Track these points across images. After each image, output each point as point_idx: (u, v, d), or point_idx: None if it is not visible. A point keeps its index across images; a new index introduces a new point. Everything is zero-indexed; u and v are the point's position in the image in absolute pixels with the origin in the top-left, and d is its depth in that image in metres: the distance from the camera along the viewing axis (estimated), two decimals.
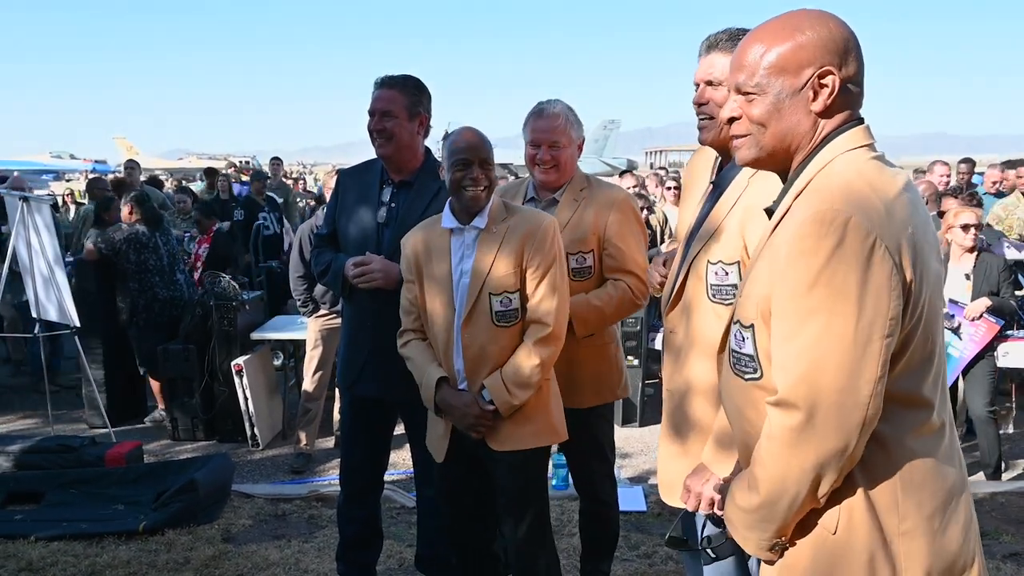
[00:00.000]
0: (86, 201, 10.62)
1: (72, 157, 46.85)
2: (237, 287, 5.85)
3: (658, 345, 5.52)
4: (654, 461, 4.49)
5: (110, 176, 17.55)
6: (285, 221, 9.29)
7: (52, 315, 5.59)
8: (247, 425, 5.59)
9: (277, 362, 6.40)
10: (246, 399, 5.51)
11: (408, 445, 3.32)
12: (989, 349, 4.74)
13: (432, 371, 2.65)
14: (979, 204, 6.12)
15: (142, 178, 10.58)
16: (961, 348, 4.78)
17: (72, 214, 9.00)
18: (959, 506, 1.46)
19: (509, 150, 29.62)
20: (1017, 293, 5.77)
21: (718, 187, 2.20)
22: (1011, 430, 5.59)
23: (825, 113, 1.46)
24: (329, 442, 5.59)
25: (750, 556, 1.63)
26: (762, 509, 1.45)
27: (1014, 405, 5.52)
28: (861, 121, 1.49)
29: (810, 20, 1.45)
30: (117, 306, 6.02)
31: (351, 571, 3.31)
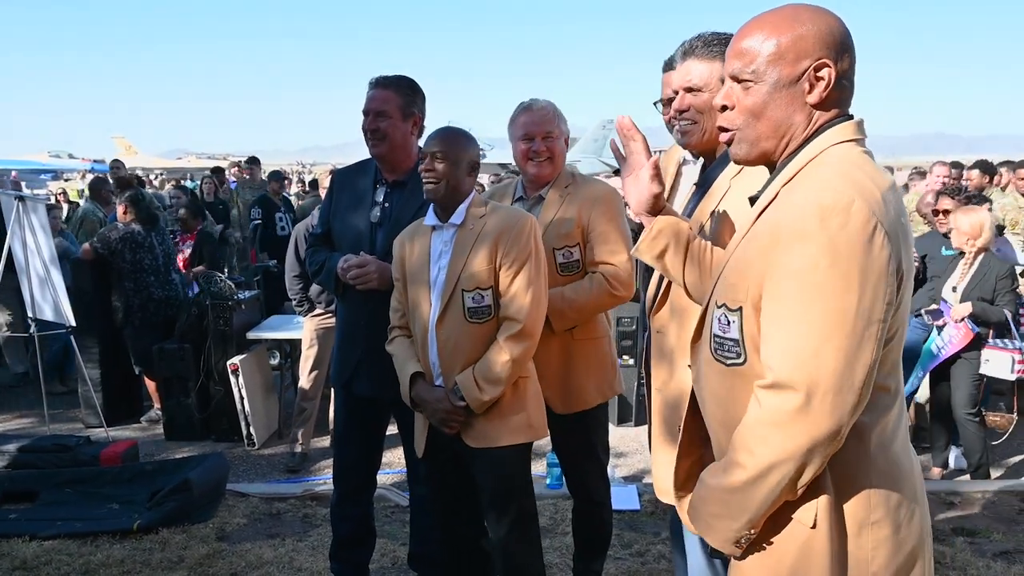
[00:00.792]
0: (82, 201, 10.61)
1: (71, 156, 46.79)
2: (233, 286, 5.86)
3: None
4: (649, 460, 4.51)
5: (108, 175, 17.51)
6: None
7: (48, 315, 5.60)
8: (243, 424, 5.60)
9: (273, 361, 6.41)
10: (242, 398, 5.52)
11: (402, 444, 3.34)
12: (974, 352, 4.74)
13: (409, 366, 2.69)
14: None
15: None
16: (940, 347, 4.84)
17: (64, 214, 9.00)
18: (917, 494, 1.49)
19: (508, 150, 29.58)
20: None
21: (702, 188, 2.21)
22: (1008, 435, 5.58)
23: (820, 105, 1.47)
24: (325, 441, 5.61)
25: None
26: (738, 495, 1.42)
27: (1015, 413, 5.50)
28: (852, 117, 1.50)
29: (809, 13, 1.47)
30: (113, 305, 6.02)
31: (344, 569, 3.32)
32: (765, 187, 1.52)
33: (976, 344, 4.73)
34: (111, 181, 9.23)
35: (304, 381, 5.34)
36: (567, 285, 2.93)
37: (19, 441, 4.99)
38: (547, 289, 2.67)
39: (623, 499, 4.36)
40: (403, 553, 3.65)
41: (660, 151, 2.70)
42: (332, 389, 4.72)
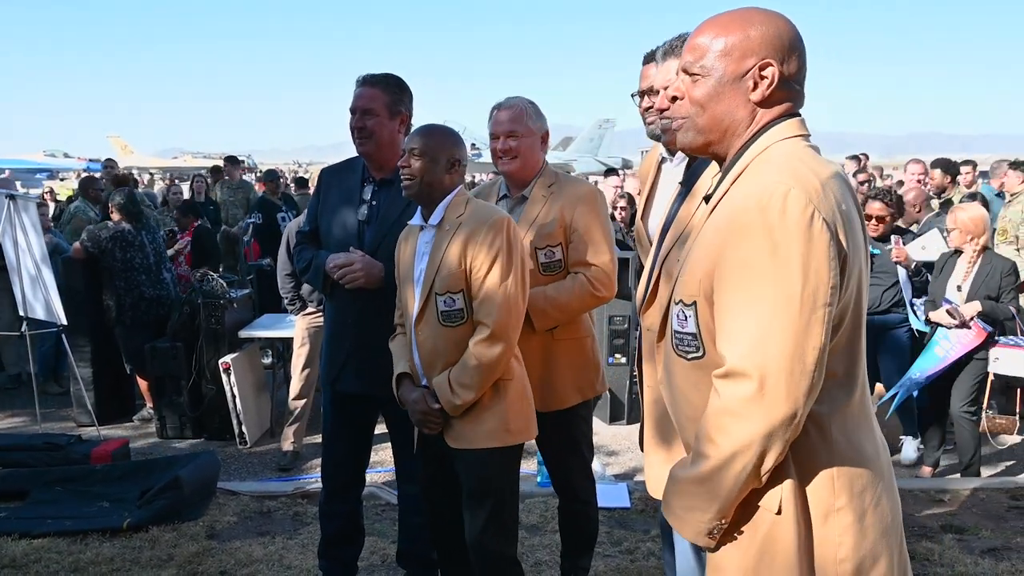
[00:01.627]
0: (77, 201, 10.54)
1: (66, 156, 46.76)
2: (225, 285, 5.86)
3: None
4: (641, 458, 4.52)
5: (99, 174, 17.43)
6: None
7: (39, 313, 5.60)
8: (235, 423, 5.59)
9: (266, 360, 6.41)
10: (234, 397, 5.52)
11: (391, 442, 3.34)
12: (981, 352, 4.70)
13: (399, 366, 2.71)
14: (985, 204, 6.11)
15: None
16: (947, 349, 4.74)
17: (51, 211, 8.98)
18: (888, 483, 1.52)
19: None
20: None
21: (687, 187, 2.22)
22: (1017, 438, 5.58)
23: (763, 103, 1.53)
24: (317, 440, 5.58)
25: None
26: (706, 484, 1.45)
27: (1017, 416, 5.51)
28: (798, 115, 1.56)
29: (761, 16, 1.53)
30: (104, 304, 6.01)
31: (333, 567, 3.32)
32: (717, 185, 1.57)
33: (983, 343, 4.68)
34: (103, 180, 9.21)
35: (296, 380, 5.34)
36: (549, 284, 2.93)
37: (10, 439, 4.99)
38: (525, 289, 2.62)
39: (613, 497, 4.37)
40: (392, 551, 3.65)
41: (644, 151, 2.72)
42: None
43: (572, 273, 2.95)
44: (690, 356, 1.52)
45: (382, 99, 2.98)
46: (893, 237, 5.09)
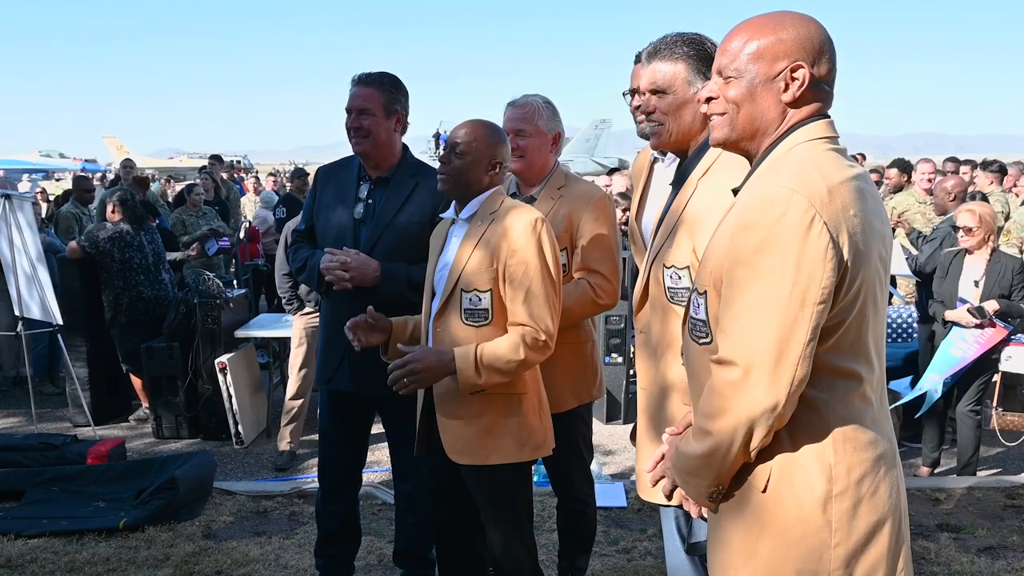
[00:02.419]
0: (67, 204, 10.48)
1: (62, 156, 46.67)
2: (221, 285, 5.86)
3: None
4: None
5: (96, 175, 17.31)
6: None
7: (35, 313, 5.59)
8: (231, 423, 5.59)
9: (262, 360, 6.40)
10: (230, 397, 5.51)
11: (387, 442, 3.34)
12: (992, 351, 4.69)
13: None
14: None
15: (110, 176, 10.41)
16: (964, 349, 4.70)
17: (44, 212, 8.92)
18: (888, 474, 1.56)
19: None
20: None
21: (677, 186, 2.23)
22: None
23: (794, 104, 1.59)
24: (314, 440, 5.57)
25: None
26: (702, 458, 1.56)
27: None
28: (827, 117, 1.61)
29: (792, 20, 1.59)
30: (101, 304, 6.00)
31: (330, 566, 3.32)
32: (745, 180, 1.63)
33: (1001, 342, 4.66)
34: (124, 182, 9.13)
35: (293, 380, 5.33)
36: None
37: (5, 440, 4.97)
38: (559, 292, 2.50)
39: (610, 496, 4.38)
40: (389, 550, 3.65)
41: (639, 151, 2.72)
42: None
43: (577, 279, 2.91)
44: (701, 341, 1.63)
45: (378, 98, 2.98)
46: None
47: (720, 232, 1.58)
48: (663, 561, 2.93)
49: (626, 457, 5.36)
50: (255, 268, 8.06)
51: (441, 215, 2.69)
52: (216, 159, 11.51)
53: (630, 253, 5.23)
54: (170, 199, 11.21)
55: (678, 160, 2.28)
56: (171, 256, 6.77)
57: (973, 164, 8.23)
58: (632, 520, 4.19)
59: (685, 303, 1.72)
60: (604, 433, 5.78)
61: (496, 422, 2.50)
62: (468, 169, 2.49)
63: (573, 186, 3.01)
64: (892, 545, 1.55)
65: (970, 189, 8.44)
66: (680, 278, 2.14)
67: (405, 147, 3.14)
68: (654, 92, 2.19)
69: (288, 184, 13.07)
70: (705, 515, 1.70)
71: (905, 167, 8.01)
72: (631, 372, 5.94)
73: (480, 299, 2.46)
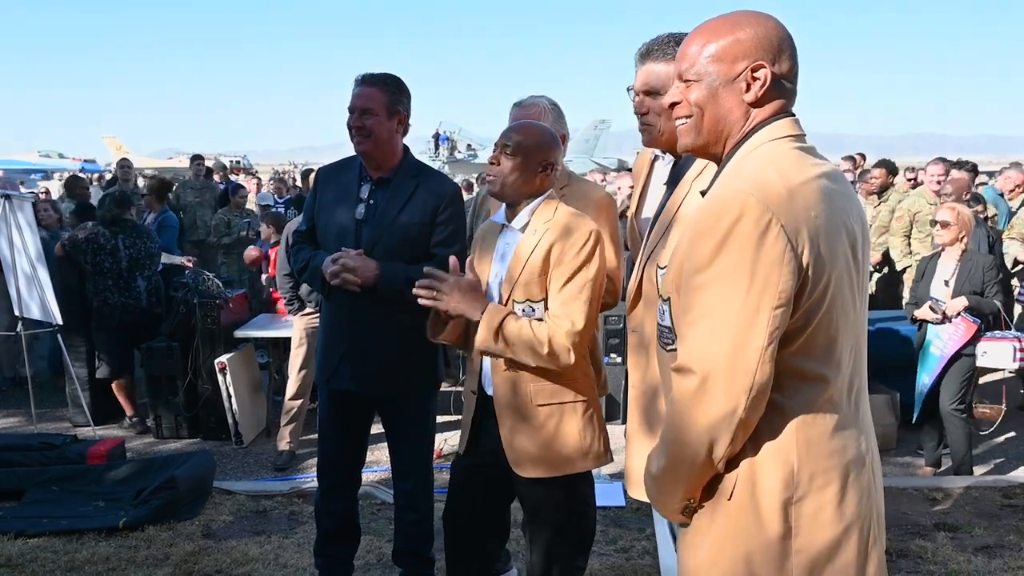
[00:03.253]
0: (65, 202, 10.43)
1: (61, 156, 46.59)
2: (220, 285, 5.86)
3: None
4: None
5: (94, 175, 17.22)
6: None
7: (35, 313, 5.60)
8: (230, 423, 5.60)
9: (262, 360, 6.41)
10: (229, 397, 5.52)
11: (387, 442, 3.35)
12: (968, 348, 4.75)
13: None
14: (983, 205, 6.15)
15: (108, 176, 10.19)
16: (941, 347, 4.81)
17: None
18: (858, 480, 1.53)
19: None
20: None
21: (671, 187, 2.24)
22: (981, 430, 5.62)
23: (757, 104, 1.56)
24: (314, 440, 5.58)
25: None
26: (669, 472, 1.55)
27: (1004, 406, 5.55)
28: (791, 115, 1.59)
29: (749, 19, 1.57)
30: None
31: (329, 565, 3.33)
32: (712, 182, 1.61)
33: (973, 337, 4.73)
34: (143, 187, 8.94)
35: (293, 380, 5.34)
36: None
37: (5, 439, 4.98)
38: (597, 310, 2.48)
39: (608, 496, 4.39)
40: (388, 549, 3.66)
41: (639, 152, 2.73)
42: None
43: None
44: (668, 348, 1.60)
45: (380, 98, 2.99)
46: None
47: (682, 237, 1.56)
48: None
49: (624, 457, 5.36)
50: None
51: (491, 218, 2.65)
52: (199, 159, 11.01)
53: (628, 253, 5.23)
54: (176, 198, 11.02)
55: (672, 160, 2.30)
56: (168, 260, 6.75)
57: (960, 165, 8.21)
58: (630, 519, 4.20)
59: None
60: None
61: (558, 434, 2.48)
62: (519, 170, 2.44)
63: (576, 186, 3.04)
64: (860, 553, 1.51)
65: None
66: None
67: (406, 148, 3.15)
68: (647, 93, 2.21)
69: (299, 184, 12.78)
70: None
71: (892, 168, 8.02)
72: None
73: (534, 309, 2.43)
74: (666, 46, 2.19)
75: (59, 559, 3.73)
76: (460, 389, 4.94)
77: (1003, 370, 5.60)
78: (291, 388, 5.36)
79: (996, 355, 4.74)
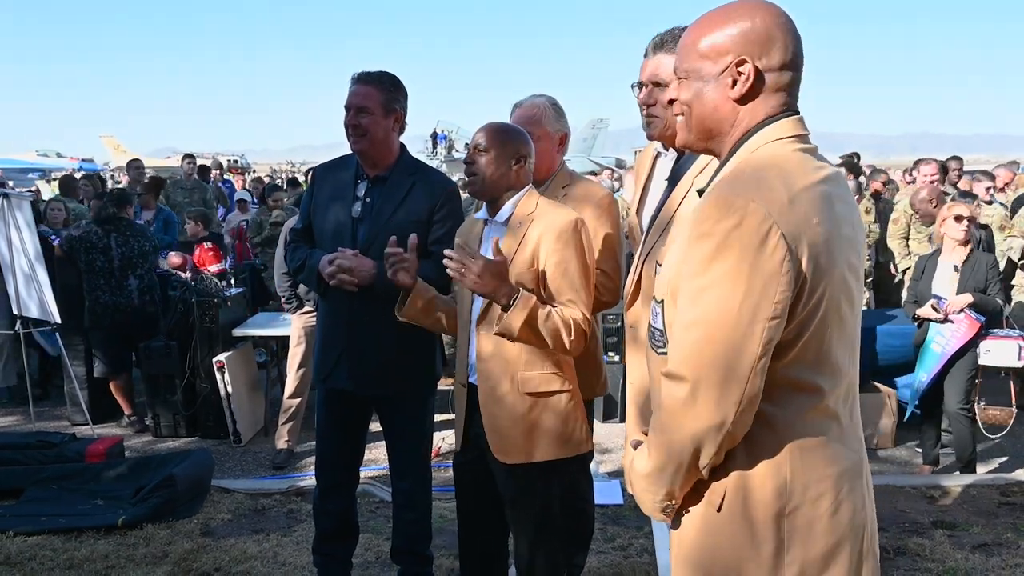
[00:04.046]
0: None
1: (59, 155, 46.50)
2: (219, 283, 5.86)
3: None
4: None
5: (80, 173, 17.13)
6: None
7: (34, 312, 5.59)
8: (229, 421, 5.60)
9: (260, 359, 6.40)
10: (227, 395, 5.52)
11: (385, 441, 3.35)
12: (971, 346, 4.75)
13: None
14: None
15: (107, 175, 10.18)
16: (943, 344, 4.78)
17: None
18: (852, 491, 1.50)
19: None
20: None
21: (672, 183, 2.24)
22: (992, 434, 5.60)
23: (742, 100, 1.51)
24: (312, 438, 5.59)
25: None
26: (654, 474, 1.52)
27: (1014, 408, 5.53)
28: (796, 113, 1.54)
29: (739, 12, 1.51)
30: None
31: (327, 563, 3.33)
32: (710, 182, 1.57)
33: (977, 334, 4.72)
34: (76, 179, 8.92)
35: (291, 378, 5.34)
36: None
37: (4, 438, 4.97)
38: (592, 294, 2.51)
39: (607, 494, 4.39)
40: (386, 548, 3.66)
41: (637, 151, 2.73)
42: None
43: None
44: (659, 351, 1.56)
45: (377, 97, 2.99)
46: None
47: (679, 238, 1.52)
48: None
49: (623, 455, 5.36)
50: (252, 267, 8.05)
51: (474, 215, 2.67)
52: (191, 158, 10.89)
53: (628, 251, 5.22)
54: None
55: (675, 156, 2.30)
56: (164, 267, 6.74)
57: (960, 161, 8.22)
58: (629, 518, 4.20)
59: None
60: (601, 431, 5.78)
61: (541, 421, 2.50)
62: (494, 166, 2.49)
63: (578, 185, 3.03)
64: (853, 566, 1.49)
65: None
66: None
67: (403, 146, 3.15)
68: (656, 84, 2.20)
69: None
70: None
71: (853, 168, 8.04)
72: None
73: None
74: (679, 39, 2.18)
75: (58, 557, 3.73)
76: None
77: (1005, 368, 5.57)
78: (289, 386, 5.36)
79: (1000, 353, 4.72)
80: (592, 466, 4.16)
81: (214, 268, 6.71)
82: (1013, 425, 5.74)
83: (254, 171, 30.77)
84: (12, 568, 3.65)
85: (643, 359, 2.25)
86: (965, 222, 4.85)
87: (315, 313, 5.12)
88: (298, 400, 5.35)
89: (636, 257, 2.30)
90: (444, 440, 5.20)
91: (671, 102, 1.62)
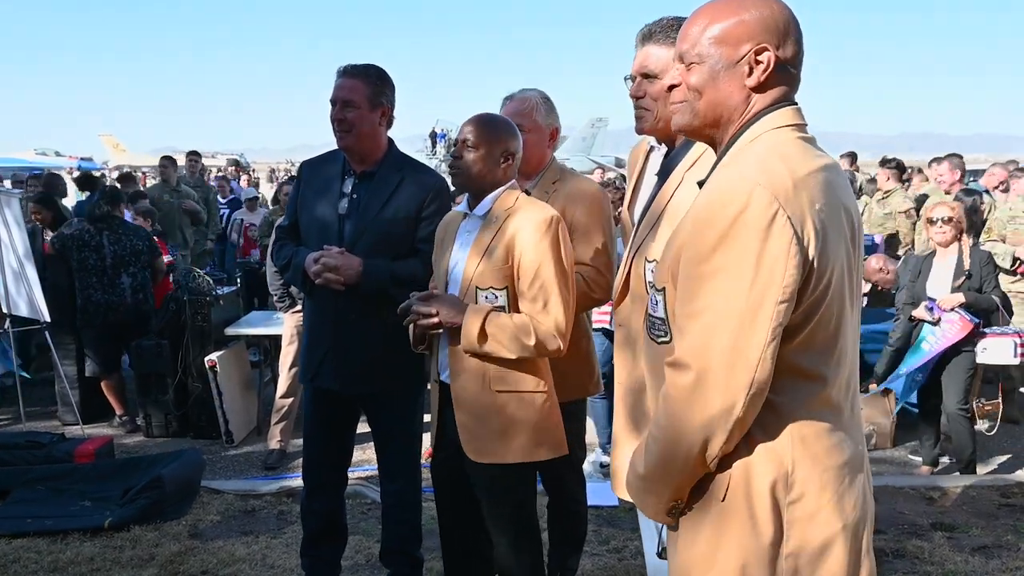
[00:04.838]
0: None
1: (57, 154, 46.47)
2: (211, 282, 5.81)
3: None
4: None
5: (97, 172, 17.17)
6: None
7: (23, 311, 5.54)
8: (220, 421, 5.54)
9: (253, 358, 6.35)
10: (219, 395, 5.47)
11: (373, 441, 3.29)
12: (968, 345, 4.70)
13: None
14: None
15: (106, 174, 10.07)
16: (933, 343, 4.74)
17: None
18: (854, 483, 1.49)
19: None
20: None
21: (663, 178, 2.19)
22: (985, 428, 5.58)
23: (759, 88, 1.51)
24: None
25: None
26: (657, 470, 1.49)
27: (1000, 402, 5.51)
28: (793, 103, 1.53)
29: (754, 1, 1.51)
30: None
31: (315, 565, 3.27)
32: (711, 172, 1.55)
33: (970, 335, 4.67)
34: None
35: (283, 378, 5.28)
36: None
37: None
38: (573, 293, 2.51)
39: (601, 495, 4.32)
40: (377, 550, 3.60)
41: (633, 147, 2.68)
42: None
43: None
44: (659, 340, 1.54)
45: (363, 90, 2.93)
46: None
47: (681, 226, 1.50)
48: None
49: (612, 457, 5.31)
50: (247, 266, 8.01)
51: (455, 208, 2.65)
52: (194, 155, 10.56)
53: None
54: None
55: (665, 150, 2.24)
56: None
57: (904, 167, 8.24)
58: (623, 519, 4.14)
59: None
60: (595, 432, 5.73)
61: (514, 421, 2.47)
62: (480, 161, 2.48)
63: (568, 181, 2.99)
64: (852, 557, 1.48)
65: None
66: None
67: (391, 141, 3.09)
68: (645, 76, 2.16)
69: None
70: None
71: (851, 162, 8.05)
72: None
73: (497, 296, 2.45)
74: (668, 29, 2.14)
75: (42, 559, 3.67)
76: None
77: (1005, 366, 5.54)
78: (282, 386, 5.30)
79: (996, 351, 4.69)
80: (587, 467, 4.12)
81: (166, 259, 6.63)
82: (1013, 426, 5.71)
83: (253, 170, 30.74)
84: None
85: (632, 358, 2.20)
86: (940, 223, 4.81)
87: None
88: (291, 400, 5.29)
89: (626, 253, 2.25)
90: None
91: (671, 88, 1.59)
